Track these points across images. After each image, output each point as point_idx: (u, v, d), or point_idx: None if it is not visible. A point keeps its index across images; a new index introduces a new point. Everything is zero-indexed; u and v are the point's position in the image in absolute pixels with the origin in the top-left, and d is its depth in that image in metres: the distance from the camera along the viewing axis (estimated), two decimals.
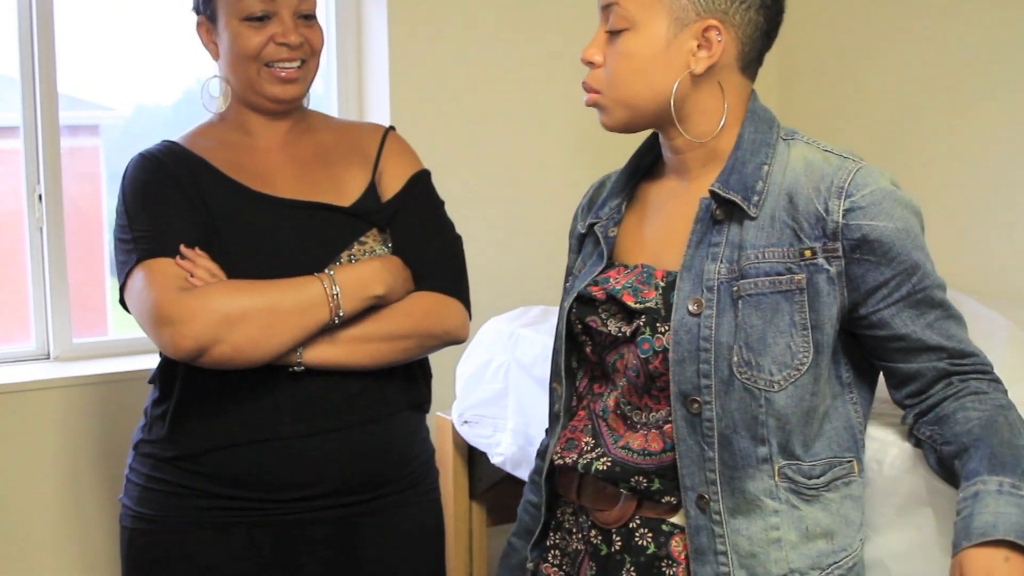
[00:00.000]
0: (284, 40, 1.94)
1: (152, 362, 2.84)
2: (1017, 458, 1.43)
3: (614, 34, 1.58)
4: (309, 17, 1.99)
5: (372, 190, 2.05)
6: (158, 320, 1.85)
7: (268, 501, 1.96)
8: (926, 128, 3.17)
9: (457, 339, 2.07)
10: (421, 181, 2.11)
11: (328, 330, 1.91)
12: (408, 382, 2.06)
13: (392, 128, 2.16)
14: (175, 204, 1.94)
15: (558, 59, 3.25)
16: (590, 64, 1.62)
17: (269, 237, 1.96)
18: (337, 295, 1.89)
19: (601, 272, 1.68)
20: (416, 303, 2.00)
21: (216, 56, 2.01)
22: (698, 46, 1.56)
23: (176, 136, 2.06)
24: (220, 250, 1.93)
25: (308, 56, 1.99)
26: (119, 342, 2.99)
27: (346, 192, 2.04)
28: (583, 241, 1.79)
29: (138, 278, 1.90)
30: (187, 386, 1.96)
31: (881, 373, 1.63)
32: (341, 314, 1.90)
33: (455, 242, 2.11)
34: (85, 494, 2.77)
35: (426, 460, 2.12)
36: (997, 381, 1.57)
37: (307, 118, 2.11)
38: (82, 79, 3.04)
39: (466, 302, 2.07)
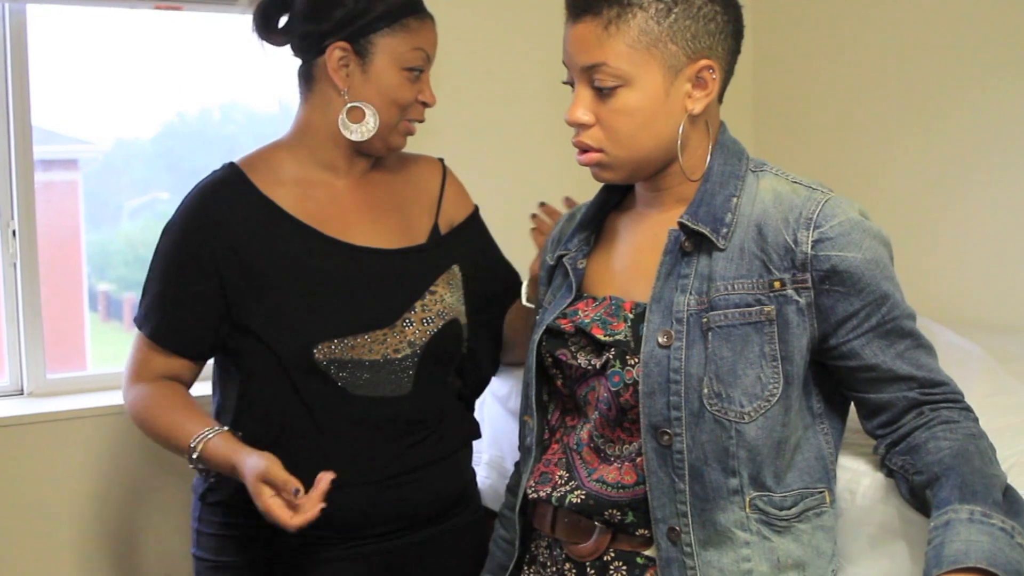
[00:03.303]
0: (425, 99, 1.98)
1: None
2: (988, 487, 1.43)
3: (604, 92, 1.57)
4: None
5: (436, 231, 2.08)
6: (126, 387, 2.01)
7: (344, 539, 1.95)
8: (899, 153, 3.18)
9: None
10: (477, 220, 2.18)
11: None
12: (463, 418, 2.09)
13: (442, 160, 2.19)
14: (192, 286, 1.94)
15: (538, 101, 3.27)
16: (580, 126, 1.60)
17: (343, 284, 1.95)
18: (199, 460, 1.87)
19: (570, 304, 1.69)
20: None
21: (342, 85, 1.94)
22: (692, 87, 1.57)
23: (244, 161, 2.02)
24: (277, 300, 1.93)
25: None
26: (93, 377, 2.97)
27: (417, 235, 2.06)
28: (552, 273, 1.79)
29: (137, 338, 2.00)
30: (256, 433, 1.93)
31: (852, 403, 1.63)
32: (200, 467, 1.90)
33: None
34: (59, 531, 2.74)
35: (471, 485, 2.14)
36: (968, 410, 1.57)
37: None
38: (60, 113, 3.04)
39: None
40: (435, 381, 2.00)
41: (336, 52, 1.93)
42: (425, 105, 1.99)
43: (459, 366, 2.12)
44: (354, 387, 1.91)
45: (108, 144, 3.27)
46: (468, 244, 2.11)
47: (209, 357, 2.02)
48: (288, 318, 1.91)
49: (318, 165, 2.00)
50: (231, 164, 2.02)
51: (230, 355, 1.98)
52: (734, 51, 1.61)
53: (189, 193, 2.00)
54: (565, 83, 1.64)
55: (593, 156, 1.61)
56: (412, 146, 2.12)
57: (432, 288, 1.99)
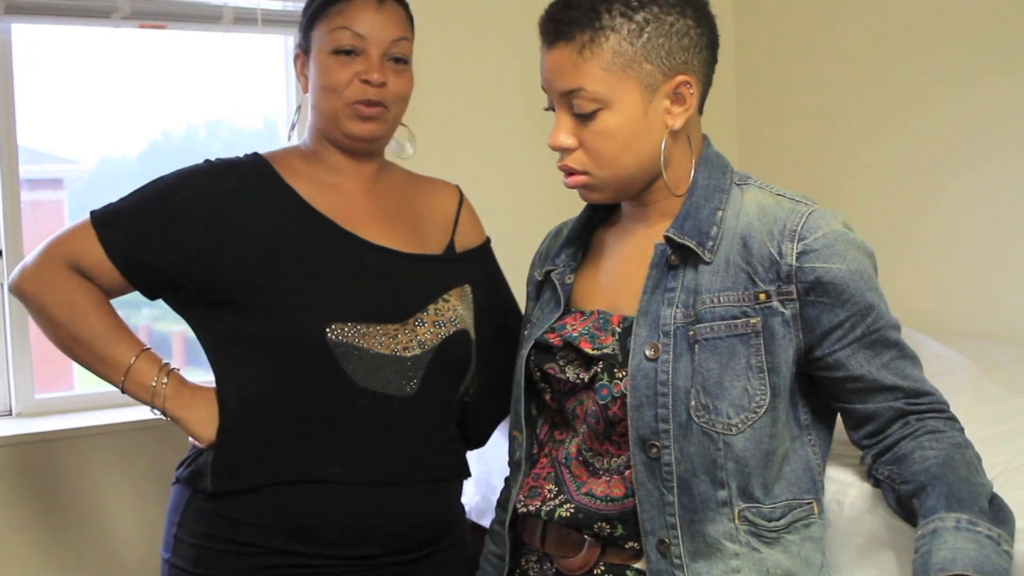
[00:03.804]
0: (367, 77, 1.92)
1: (114, 416, 2.85)
2: (974, 495, 1.44)
3: (584, 116, 1.58)
4: (399, 60, 1.97)
5: (452, 247, 2.08)
6: (41, 254, 1.96)
7: (331, 558, 1.91)
8: (881, 163, 3.20)
9: None
10: (490, 249, 2.17)
11: None
12: (459, 449, 2.07)
13: (459, 187, 2.19)
14: (168, 221, 1.93)
15: (525, 114, 3.28)
16: (563, 150, 1.61)
17: (357, 274, 1.95)
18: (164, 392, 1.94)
19: (558, 319, 1.69)
20: None
21: (306, 89, 2.00)
22: (671, 103, 1.58)
23: (268, 154, 2.04)
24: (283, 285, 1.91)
25: (391, 101, 1.96)
26: (82, 397, 2.96)
27: (430, 247, 2.05)
28: (540, 289, 1.80)
29: (82, 224, 1.95)
30: (257, 418, 1.92)
31: (839, 414, 1.64)
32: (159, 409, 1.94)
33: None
34: (48, 551, 2.74)
35: (461, 518, 2.10)
36: (953, 419, 1.58)
37: (389, 168, 2.10)
38: (45, 132, 3.04)
39: None
40: (440, 391, 1.98)
41: (297, 61, 2.02)
42: (368, 83, 1.92)
43: (463, 407, 2.08)
44: (360, 378, 1.89)
45: (93, 163, 3.27)
46: (482, 269, 2.10)
47: (141, 289, 1.99)
48: (303, 298, 1.90)
49: (325, 167, 2.02)
50: (255, 153, 2.05)
51: (232, 340, 1.94)
52: (710, 62, 1.62)
53: (211, 160, 2.02)
54: (547, 109, 1.65)
55: (579, 179, 1.62)
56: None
57: (446, 296, 1.99)
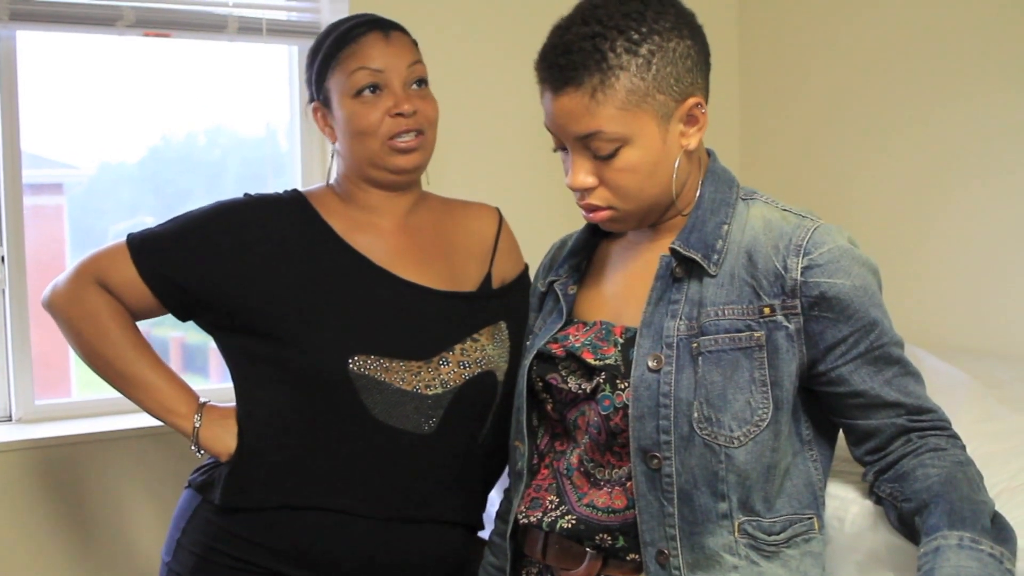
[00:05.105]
0: (398, 110, 1.93)
1: (114, 423, 2.84)
2: (977, 513, 1.44)
3: (605, 156, 1.56)
4: (421, 83, 1.99)
5: (488, 282, 2.06)
6: (73, 271, 1.98)
7: None
8: (883, 178, 3.20)
9: None
10: (527, 278, 2.12)
11: None
12: (478, 500, 2.05)
13: (498, 209, 2.17)
14: (201, 248, 1.95)
15: (526, 121, 3.28)
16: (584, 190, 1.60)
17: (386, 310, 1.95)
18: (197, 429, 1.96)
19: (560, 329, 1.70)
20: None
21: (334, 139, 2.01)
22: (685, 125, 1.58)
23: (306, 191, 2.06)
24: (327, 320, 1.92)
25: (425, 127, 1.97)
26: (82, 404, 2.95)
27: (465, 283, 2.04)
28: (544, 300, 1.81)
29: (116, 245, 1.96)
30: (274, 445, 1.93)
31: (840, 430, 1.64)
32: (195, 445, 1.96)
33: None
34: (48, 558, 2.73)
35: (470, 564, 2.05)
36: (955, 437, 1.58)
37: (425, 198, 2.09)
38: (45, 137, 3.04)
39: None
40: (459, 432, 1.96)
41: (317, 113, 2.03)
42: (401, 115, 1.94)
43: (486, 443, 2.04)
44: (379, 412, 1.89)
45: (93, 168, 3.26)
46: (519, 302, 2.05)
47: (170, 308, 2.00)
48: (328, 327, 1.91)
49: (359, 207, 2.03)
50: (295, 190, 2.06)
51: (257, 364, 1.95)
52: (708, 72, 1.62)
53: (250, 194, 2.04)
54: (555, 151, 1.64)
55: (604, 214, 1.61)
56: None
57: (475, 336, 1.97)
